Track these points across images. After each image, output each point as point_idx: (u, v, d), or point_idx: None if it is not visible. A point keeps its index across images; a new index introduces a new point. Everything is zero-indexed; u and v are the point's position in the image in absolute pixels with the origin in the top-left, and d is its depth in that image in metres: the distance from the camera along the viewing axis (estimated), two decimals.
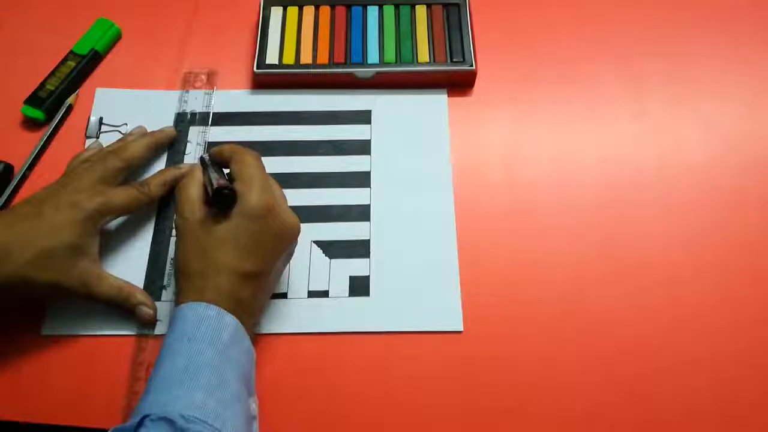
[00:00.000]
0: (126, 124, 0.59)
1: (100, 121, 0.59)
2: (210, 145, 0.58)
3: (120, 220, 0.54)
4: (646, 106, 0.61)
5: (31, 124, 0.59)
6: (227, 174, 0.50)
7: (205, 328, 0.43)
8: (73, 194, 0.49)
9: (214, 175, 0.48)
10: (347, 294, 0.52)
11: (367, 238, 0.55)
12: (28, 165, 0.57)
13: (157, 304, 0.51)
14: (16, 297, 0.49)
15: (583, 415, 0.48)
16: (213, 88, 0.61)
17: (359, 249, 0.54)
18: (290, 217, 0.48)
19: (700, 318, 0.52)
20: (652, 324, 0.51)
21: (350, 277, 0.53)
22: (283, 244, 0.48)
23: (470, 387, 0.49)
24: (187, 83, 0.61)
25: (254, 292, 0.46)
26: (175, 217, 0.48)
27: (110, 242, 0.53)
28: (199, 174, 0.49)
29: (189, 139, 0.58)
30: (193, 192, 0.48)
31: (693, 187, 0.57)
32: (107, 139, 0.58)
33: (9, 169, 0.56)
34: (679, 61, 0.63)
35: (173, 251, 0.53)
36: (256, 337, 0.49)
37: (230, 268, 0.45)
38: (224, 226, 0.46)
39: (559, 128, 0.60)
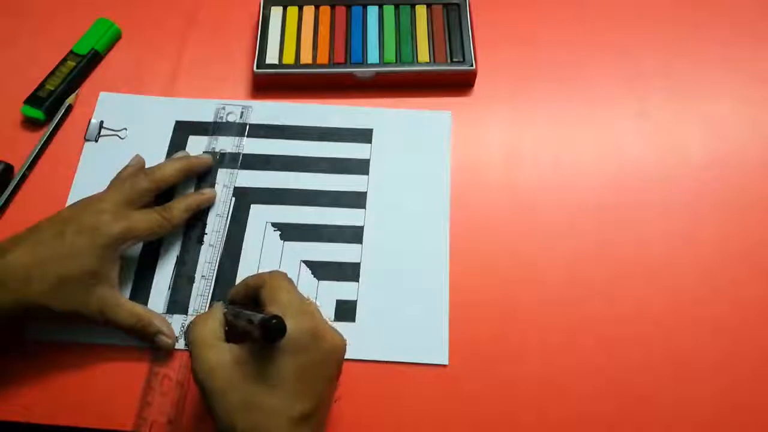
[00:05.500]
0: (125, 129, 0.59)
1: (101, 125, 0.59)
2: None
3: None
4: (646, 106, 0.61)
5: (30, 124, 0.59)
6: (251, 306, 0.45)
7: None
8: (95, 217, 0.48)
9: (246, 312, 0.42)
10: (333, 318, 0.51)
11: (358, 261, 0.53)
12: (27, 165, 0.57)
13: (179, 317, 0.51)
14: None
15: None
16: (246, 124, 0.59)
17: (348, 272, 0.53)
18: (334, 338, 0.42)
19: (701, 319, 0.52)
20: (652, 327, 0.51)
21: (337, 300, 0.52)
22: (331, 369, 0.42)
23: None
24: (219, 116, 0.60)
25: None
26: (194, 370, 0.41)
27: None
28: (217, 311, 0.45)
29: (217, 179, 0.57)
30: (212, 331, 0.43)
31: (693, 187, 0.57)
32: (104, 143, 0.58)
33: (9, 169, 0.56)
34: (680, 61, 0.63)
35: (202, 265, 0.53)
36: None
37: (282, 417, 0.39)
38: (265, 367, 0.40)
39: (559, 128, 0.60)
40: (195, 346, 0.42)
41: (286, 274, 0.46)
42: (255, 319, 0.40)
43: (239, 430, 0.39)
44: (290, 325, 0.39)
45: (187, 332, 0.43)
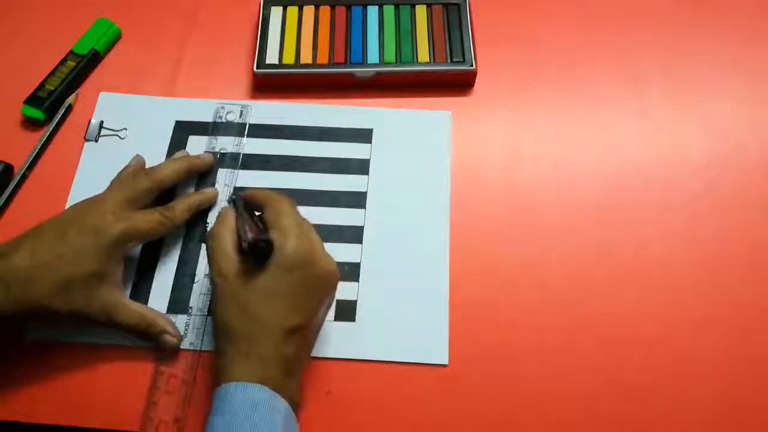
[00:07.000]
0: (125, 129, 0.59)
1: (101, 125, 0.59)
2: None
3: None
4: (646, 106, 0.61)
5: (30, 124, 0.59)
6: (259, 216, 0.48)
7: (259, 416, 0.41)
8: (98, 217, 0.48)
9: (246, 225, 0.46)
10: (332, 318, 0.51)
11: (358, 261, 0.53)
12: (27, 165, 0.57)
13: (182, 317, 0.51)
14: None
15: None
16: (246, 125, 0.60)
17: (349, 271, 0.53)
18: (329, 264, 0.46)
19: (702, 319, 0.52)
20: (652, 327, 0.51)
21: (337, 300, 0.51)
22: (324, 292, 0.46)
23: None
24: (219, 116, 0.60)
25: (298, 348, 0.44)
26: (208, 269, 0.47)
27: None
28: (230, 219, 0.48)
29: (218, 179, 0.57)
30: (226, 241, 0.46)
31: (693, 187, 0.57)
32: (104, 143, 0.58)
33: (9, 169, 0.56)
34: (680, 60, 0.63)
35: (200, 269, 0.53)
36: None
37: (274, 326, 0.43)
38: (263, 280, 0.44)
39: (559, 128, 0.60)
40: (214, 254, 0.46)
41: (289, 199, 0.48)
42: (249, 236, 0.44)
43: (235, 334, 0.43)
44: (288, 246, 0.44)
45: (209, 239, 0.47)
